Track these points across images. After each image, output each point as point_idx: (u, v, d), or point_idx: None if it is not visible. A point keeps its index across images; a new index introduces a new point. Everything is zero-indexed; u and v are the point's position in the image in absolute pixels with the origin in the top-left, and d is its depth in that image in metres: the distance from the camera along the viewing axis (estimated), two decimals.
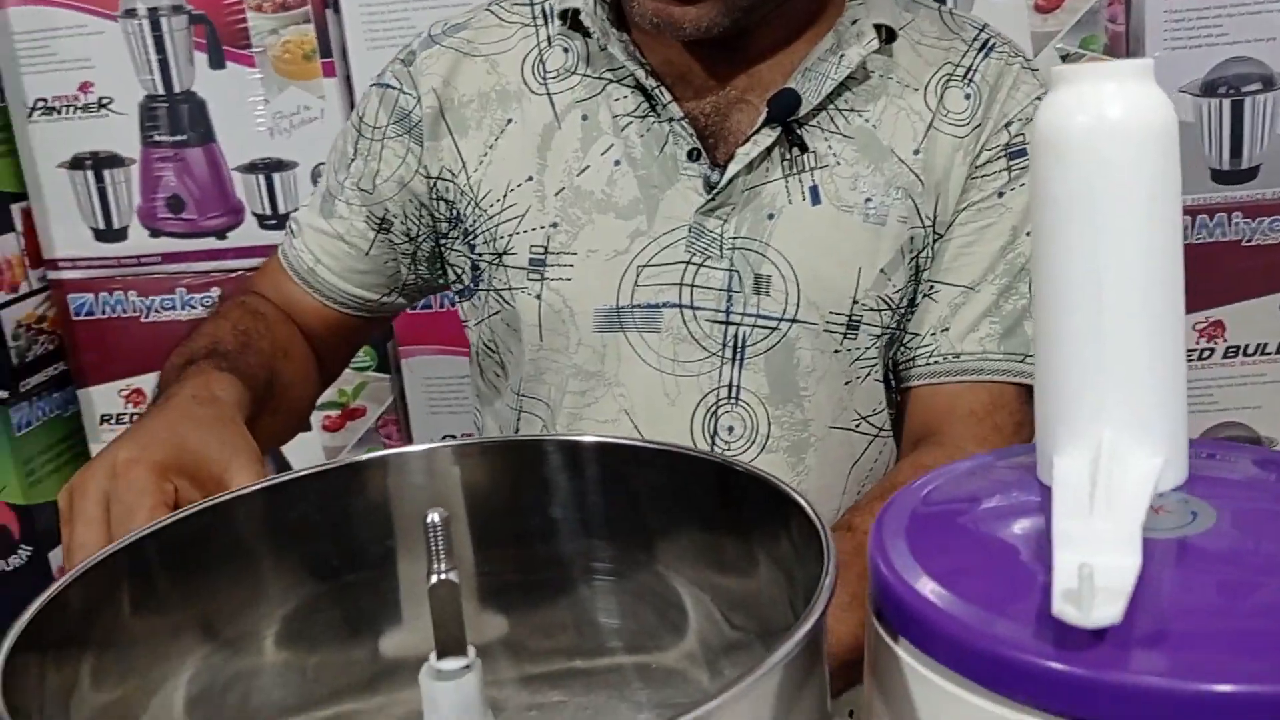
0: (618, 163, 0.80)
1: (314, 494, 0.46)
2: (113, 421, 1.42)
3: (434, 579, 0.40)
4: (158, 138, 1.32)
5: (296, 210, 0.92)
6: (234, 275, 1.36)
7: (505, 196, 0.82)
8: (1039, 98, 0.81)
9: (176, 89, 1.31)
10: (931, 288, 0.81)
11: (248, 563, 0.46)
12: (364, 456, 0.48)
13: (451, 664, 0.41)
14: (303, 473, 0.47)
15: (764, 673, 0.33)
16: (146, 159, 1.33)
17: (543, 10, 0.84)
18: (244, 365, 0.76)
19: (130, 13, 1.28)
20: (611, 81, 0.81)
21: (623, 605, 0.50)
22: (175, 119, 1.32)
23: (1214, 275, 1.26)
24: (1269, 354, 1.29)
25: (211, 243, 1.36)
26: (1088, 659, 0.32)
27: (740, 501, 0.46)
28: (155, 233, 1.36)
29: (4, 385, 1.33)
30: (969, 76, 0.81)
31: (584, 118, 0.81)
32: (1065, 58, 1.20)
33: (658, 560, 0.49)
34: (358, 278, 0.88)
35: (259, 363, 0.79)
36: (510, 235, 0.81)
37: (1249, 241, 1.25)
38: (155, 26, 1.29)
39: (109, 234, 1.36)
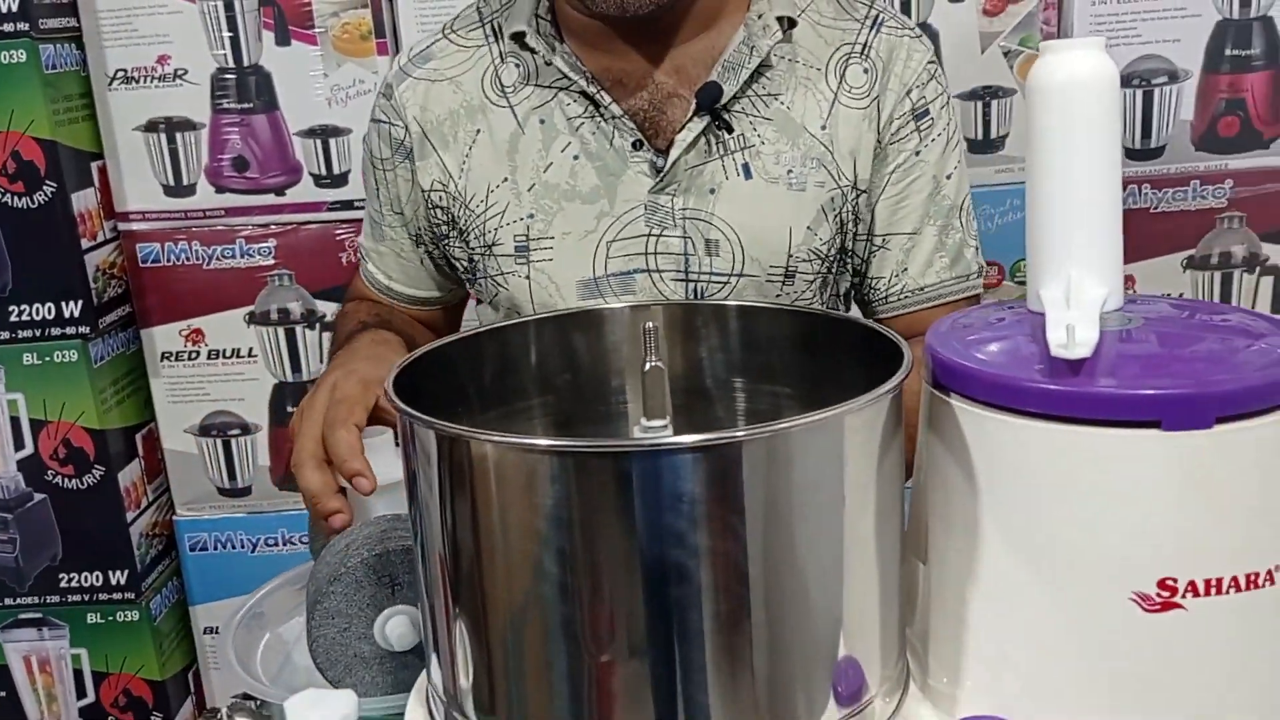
0: (576, 157, 0.94)
1: (554, 331, 0.69)
2: (172, 359, 1.60)
3: (647, 365, 0.62)
4: (227, 105, 1.51)
5: (360, 237, 1.11)
6: (290, 228, 1.55)
7: (487, 196, 0.96)
8: (930, 61, 0.97)
9: (245, 62, 1.49)
10: (883, 240, 0.98)
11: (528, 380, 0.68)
12: (590, 306, 0.71)
13: (656, 423, 0.62)
14: (545, 316, 0.70)
15: (873, 398, 0.55)
16: (215, 124, 1.51)
17: (493, 27, 0.98)
18: (395, 329, 0.97)
19: None
20: (561, 90, 0.95)
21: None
22: (243, 89, 1.50)
23: (1126, 237, 1.51)
24: None
25: (271, 198, 1.54)
26: (1072, 380, 0.55)
27: (834, 340, 0.68)
28: (220, 189, 1.54)
29: (87, 323, 1.51)
30: (865, 52, 0.96)
31: (541, 122, 0.95)
32: (1007, 53, 1.45)
33: (780, 395, 0.71)
34: (423, 283, 1.07)
35: (401, 327, 1.00)
36: (496, 229, 0.96)
37: (1156, 209, 1.51)
38: (229, 7, 1.47)
39: (178, 190, 1.54)
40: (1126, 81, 1.46)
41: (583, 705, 0.56)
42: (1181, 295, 1.54)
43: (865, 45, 0.97)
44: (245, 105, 1.51)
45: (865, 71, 0.96)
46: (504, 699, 0.59)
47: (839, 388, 0.59)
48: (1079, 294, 0.61)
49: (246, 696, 0.79)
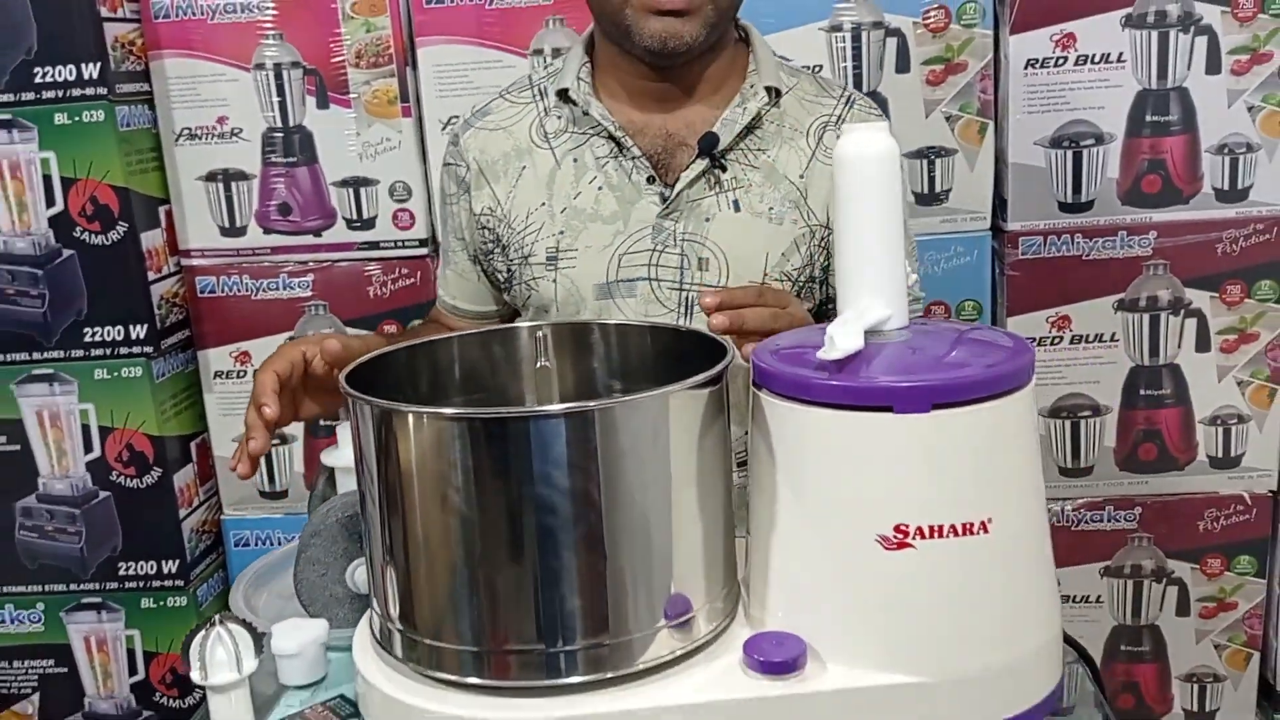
0: (600, 188, 1.17)
1: (473, 346, 0.89)
2: (223, 377, 1.84)
3: (538, 364, 0.83)
4: (274, 159, 1.75)
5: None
6: (325, 264, 1.78)
7: (527, 217, 1.20)
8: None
9: (291, 123, 1.74)
10: None
11: (451, 377, 0.89)
12: (499, 327, 0.91)
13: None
14: (467, 333, 0.90)
15: (691, 384, 0.75)
16: (265, 175, 1.76)
17: (540, 90, 1.23)
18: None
19: (260, 66, 1.72)
20: (592, 136, 1.19)
21: None
22: (289, 145, 1.75)
23: (1062, 281, 1.69)
24: (1104, 342, 1.72)
25: (310, 239, 1.78)
26: (835, 376, 0.74)
27: (685, 349, 0.88)
28: (268, 230, 1.78)
29: (151, 344, 1.75)
30: (839, 123, 1.20)
31: (575, 160, 1.19)
32: (948, 118, 1.64)
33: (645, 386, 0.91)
34: (480, 298, 1.29)
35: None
36: (532, 242, 1.19)
37: (1087, 256, 1.69)
38: (278, 77, 1.72)
39: (232, 231, 1.79)
40: (1058, 143, 1.65)
41: (479, 611, 0.76)
42: (1114, 335, 1.71)
43: (839, 118, 1.22)
44: (290, 159, 1.75)
45: (838, 138, 1.17)
46: (423, 609, 0.78)
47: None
48: (865, 315, 0.80)
49: None
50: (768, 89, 1.18)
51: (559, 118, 1.21)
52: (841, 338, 0.75)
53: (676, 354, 0.89)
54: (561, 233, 1.19)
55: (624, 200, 1.18)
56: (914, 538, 0.73)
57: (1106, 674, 1.82)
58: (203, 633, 0.83)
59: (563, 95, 1.20)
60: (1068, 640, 0.87)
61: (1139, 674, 1.84)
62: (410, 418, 0.75)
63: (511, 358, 0.90)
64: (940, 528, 0.73)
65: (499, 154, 1.22)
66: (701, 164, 1.16)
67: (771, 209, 1.18)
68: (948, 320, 0.99)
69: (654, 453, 0.75)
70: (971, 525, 0.74)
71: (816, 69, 1.63)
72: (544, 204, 1.19)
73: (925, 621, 0.75)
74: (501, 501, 0.74)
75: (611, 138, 1.18)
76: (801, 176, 1.19)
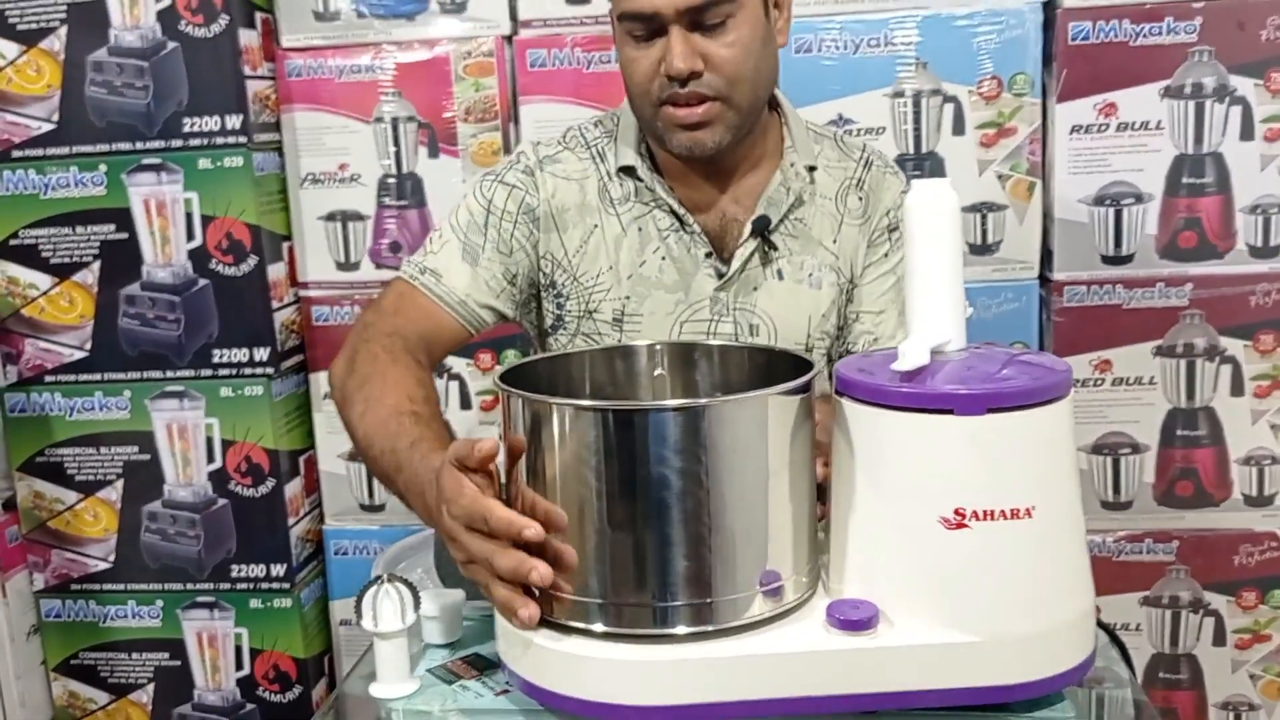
0: (664, 258, 1.28)
1: (600, 361, 1.06)
2: (331, 398, 2.01)
3: (655, 373, 0.99)
4: (388, 202, 1.95)
5: (426, 259, 1.28)
6: None
7: (596, 276, 1.29)
8: (903, 191, 1.32)
9: (404, 170, 1.93)
10: (856, 316, 1.34)
11: (582, 382, 1.07)
12: (622, 344, 1.08)
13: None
14: (595, 349, 1.08)
15: (783, 389, 0.91)
16: (378, 216, 1.96)
17: (598, 151, 1.30)
18: (438, 429, 1.12)
19: (379, 119, 1.92)
20: (654, 207, 1.28)
21: None
22: (401, 190, 1.94)
23: (1104, 327, 1.84)
24: (1144, 385, 1.85)
25: None
26: (908, 384, 0.90)
27: (776, 365, 1.04)
28: (379, 266, 1.97)
29: (272, 365, 1.94)
30: (860, 185, 1.33)
31: (639, 229, 1.28)
32: (1000, 176, 1.81)
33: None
34: (488, 307, 1.29)
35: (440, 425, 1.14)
36: (600, 301, 1.29)
37: (1128, 305, 1.83)
38: (395, 129, 1.92)
39: (347, 266, 1.98)
40: (1101, 201, 1.80)
41: (605, 570, 0.92)
42: (1153, 378, 1.84)
43: (860, 180, 1.34)
44: (402, 202, 1.95)
45: (860, 199, 1.34)
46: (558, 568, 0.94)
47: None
48: (930, 336, 0.96)
49: None
50: (807, 168, 1.30)
51: (621, 185, 1.29)
52: (911, 354, 0.91)
53: (769, 369, 1.05)
54: (628, 297, 1.29)
55: (684, 272, 1.28)
56: (970, 520, 0.89)
57: None
58: (374, 588, 0.99)
59: (628, 171, 1.28)
60: (1098, 623, 1.02)
61: (1177, 701, 1.95)
62: (556, 409, 0.92)
63: (631, 370, 1.07)
64: (992, 512, 0.89)
65: (571, 204, 1.29)
66: (754, 242, 1.28)
67: (811, 275, 1.31)
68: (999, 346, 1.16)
69: (751, 445, 0.91)
70: (1018, 510, 0.89)
71: (879, 131, 1.80)
72: (611, 267, 1.28)
73: (978, 590, 0.90)
74: (626, 480, 0.90)
75: (673, 211, 1.28)
76: (835, 241, 1.32)
